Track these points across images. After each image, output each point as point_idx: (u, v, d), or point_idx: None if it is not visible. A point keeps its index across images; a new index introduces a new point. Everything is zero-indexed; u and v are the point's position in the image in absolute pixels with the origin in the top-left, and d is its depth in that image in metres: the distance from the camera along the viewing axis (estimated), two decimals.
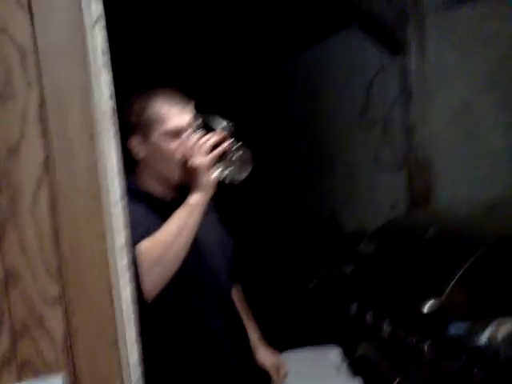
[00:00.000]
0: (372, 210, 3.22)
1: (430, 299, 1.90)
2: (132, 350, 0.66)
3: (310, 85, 3.94)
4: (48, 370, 0.62)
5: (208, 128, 1.27)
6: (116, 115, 0.61)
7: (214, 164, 1.20)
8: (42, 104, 0.59)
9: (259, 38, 3.87)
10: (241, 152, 1.22)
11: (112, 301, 0.63)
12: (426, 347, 1.87)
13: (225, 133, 1.23)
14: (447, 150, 2.59)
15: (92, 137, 0.60)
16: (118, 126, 0.62)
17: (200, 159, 1.19)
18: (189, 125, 1.26)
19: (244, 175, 1.23)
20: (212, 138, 1.22)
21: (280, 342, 1.79)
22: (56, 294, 0.62)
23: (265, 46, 4.00)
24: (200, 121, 1.28)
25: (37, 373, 0.62)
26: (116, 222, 0.62)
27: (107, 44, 0.62)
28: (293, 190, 4.47)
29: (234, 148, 1.22)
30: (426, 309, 1.89)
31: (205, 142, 1.21)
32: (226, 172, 1.21)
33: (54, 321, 0.62)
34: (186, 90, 1.33)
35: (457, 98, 2.48)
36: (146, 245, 1.12)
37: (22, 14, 0.58)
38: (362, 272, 2.44)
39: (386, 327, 2.12)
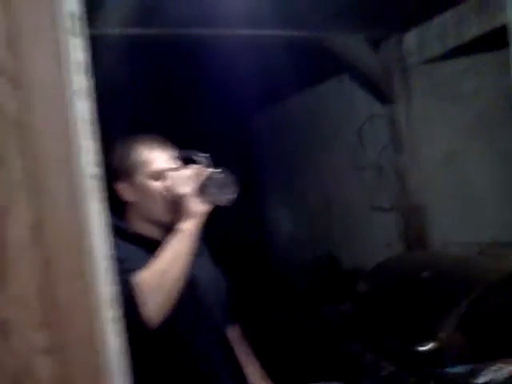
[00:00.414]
0: (368, 248, 3.25)
1: (427, 341, 1.91)
2: None
3: (304, 129, 4.04)
4: None
5: (187, 162, 1.37)
6: (103, 181, 0.67)
7: (200, 191, 1.28)
8: (30, 170, 0.65)
9: (255, 80, 3.98)
10: (222, 176, 1.31)
11: (100, 351, 0.66)
12: None
13: (203, 162, 1.33)
14: (438, 194, 2.66)
15: (76, 200, 0.65)
16: (104, 191, 0.67)
17: (184, 188, 1.27)
18: (170, 165, 1.35)
19: (230, 197, 1.31)
20: (192, 169, 1.31)
21: (281, 379, 1.79)
22: (46, 346, 0.65)
23: (263, 88, 4.11)
24: (179, 157, 1.39)
25: None
26: (103, 278, 0.66)
27: (95, 113, 0.68)
28: (292, 229, 4.51)
29: (215, 172, 1.31)
30: (423, 350, 1.89)
31: (186, 173, 1.30)
32: (212, 195, 1.29)
33: (46, 370, 0.65)
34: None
35: (443, 145, 2.57)
36: (143, 275, 1.17)
37: (12, 89, 0.64)
38: (359, 311, 2.44)
39: (386, 367, 2.12)
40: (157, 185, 1.34)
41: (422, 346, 1.90)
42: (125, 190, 1.35)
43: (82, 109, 0.64)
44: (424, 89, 2.67)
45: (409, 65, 2.70)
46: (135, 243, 1.31)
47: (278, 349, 3.20)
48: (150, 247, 1.29)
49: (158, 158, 1.36)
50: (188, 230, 1.25)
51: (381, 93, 2.83)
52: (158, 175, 1.34)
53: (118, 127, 1.67)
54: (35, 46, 0.58)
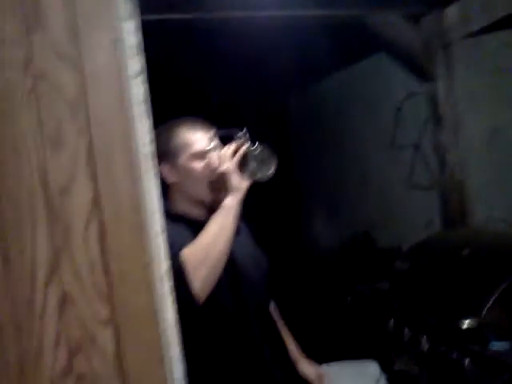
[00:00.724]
0: (406, 228, 3.22)
1: (468, 317, 1.90)
2: (177, 366, 0.73)
3: (341, 107, 4.01)
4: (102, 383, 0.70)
5: (227, 140, 1.41)
6: (156, 159, 0.70)
7: (240, 166, 1.32)
8: (90, 150, 0.68)
9: (293, 60, 3.97)
10: (261, 150, 1.34)
11: (157, 322, 0.70)
12: (466, 363, 1.87)
13: (242, 139, 1.37)
14: (480, 171, 2.60)
15: (134, 178, 0.68)
16: (157, 168, 0.70)
17: (226, 165, 1.32)
18: (211, 145, 1.39)
19: (270, 172, 1.35)
20: (232, 146, 1.35)
21: (317, 357, 1.82)
22: (107, 316, 0.69)
23: (300, 68, 4.10)
24: (218, 136, 1.43)
25: None
26: (158, 252, 0.70)
27: (148, 94, 0.71)
28: (329, 208, 4.51)
29: (254, 149, 1.35)
30: (464, 326, 1.89)
31: (226, 151, 1.35)
32: (252, 170, 1.33)
33: (106, 340, 0.70)
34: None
35: (486, 121, 2.51)
36: (188, 251, 1.21)
37: (73, 73, 0.67)
38: (397, 289, 2.45)
39: (425, 343, 2.12)
40: (199, 165, 1.37)
41: (462, 323, 1.90)
42: (168, 172, 1.39)
43: (137, 91, 0.67)
44: (467, 64, 2.60)
45: (450, 39, 2.63)
46: (180, 224, 1.35)
47: (314, 327, 3.24)
48: (194, 227, 1.33)
49: (199, 138, 1.39)
50: (231, 205, 1.29)
51: (421, 70, 2.77)
52: (200, 155, 1.37)
53: (164, 109, 1.72)
54: (94, 31, 0.61)
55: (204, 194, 1.38)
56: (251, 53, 3.42)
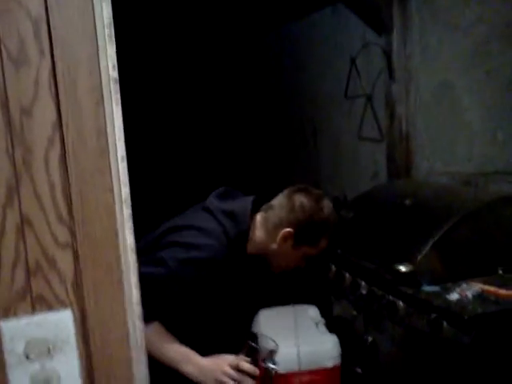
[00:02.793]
0: (354, 178, 3.32)
1: (403, 263, 2.02)
2: (134, 291, 0.76)
3: (296, 57, 3.98)
4: (59, 305, 0.71)
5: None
6: (118, 85, 0.69)
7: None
8: (53, 71, 0.67)
9: (246, 11, 3.89)
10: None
11: (117, 246, 0.72)
12: (400, 305, 2.00)
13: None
14: (427, 125, 2.69)
15: (98, 101, 0.68)
16: (119, 95, 0.70)
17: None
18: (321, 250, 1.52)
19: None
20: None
21: (257, 303, 1.90)
22: (66, 239, 0.70)
23: (259, 15, 4.03)
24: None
25: (49, 307, 0.71)
26: (122, 177, 0.70)
27: (112, 18, 0.69)
28: (279, 158, 4.55)
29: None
30: (399, 271, 2.01)
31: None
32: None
33: (65, 262, 0.71)
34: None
35: (439, 76, 2.57)
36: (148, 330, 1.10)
37: None
38: (341, 236, 2.55)
39: (363, 287, 2.24)
40: (298, 256, 1.46)
41: (398, 267, 2.01)
42: (285, 241, 1.46)
43: (104, 13, 0.66)
44: (423, 17, 2.63)
45: None
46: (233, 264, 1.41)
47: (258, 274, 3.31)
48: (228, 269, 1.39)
49: (321, 248, 1.49)
50: (185, 372, 1.32)
51: (377, 21, 2.78)
52: (308, 256, 1.47)
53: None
54: None
55: (278, 267, 1.48)
56: None
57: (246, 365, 1.23)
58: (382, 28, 2.73)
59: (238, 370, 1.25)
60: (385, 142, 2.91)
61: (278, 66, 4.34)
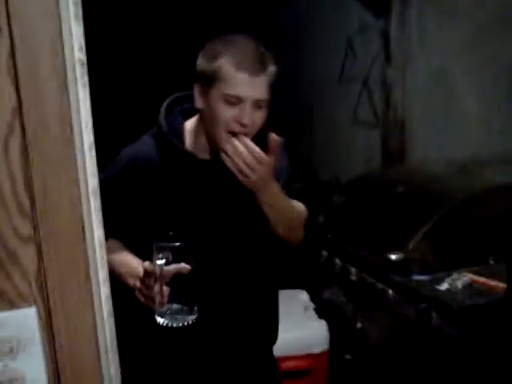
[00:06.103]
0: (347, 163, 3.28)
1: (394, 251, 2.00)
2: (102, 288, 0.72)
3: (293, 39, 3.91)
4: (23, 302, 0.67)
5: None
6: (86, 68, 0.64)
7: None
8: (12, 52, 0.61)
9: None
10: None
11: (84, 240, 0.67)
12: (390, 293, 1.98)
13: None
14: (422, 110, 2.65)
15: (62, 85, 0.62)
16: (87, 78, 0.64)
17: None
18: (250, 95, 1.17)
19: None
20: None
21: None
22: (29, 232, 0.66)
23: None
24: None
25: (12, 304, 0.67)
26: (89, 167, 0.65)
27: None
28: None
29: None
30: (390, 259, 1.99)
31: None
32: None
33: (28, 257, 0.66)
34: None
35: (436, 60, 2.52)
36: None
37: None
38: (332, 221, 2.52)
39: (354, 274, 2.23)
40: (226, 112, 1.18)
41: (388, 255, 1.99)
42: (197, 96, 1.23)
43: None
44: (422, 1, 2.57)
45: None
46: (181, 165, 1.27)
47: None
48: (198, 168, 1.27)
49: (242, 82, 1.15)
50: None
51: (375, 3, 2.72)
52: (233, 102, 1.17)
53: None
54: None
55: (214, 138, 1.22)
56: None
57: (146, 263, 1.14)
58: (381, 11, 2.67)
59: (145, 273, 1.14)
60: (380, 126, 2.87)
61: (276, 47, 4.26)
